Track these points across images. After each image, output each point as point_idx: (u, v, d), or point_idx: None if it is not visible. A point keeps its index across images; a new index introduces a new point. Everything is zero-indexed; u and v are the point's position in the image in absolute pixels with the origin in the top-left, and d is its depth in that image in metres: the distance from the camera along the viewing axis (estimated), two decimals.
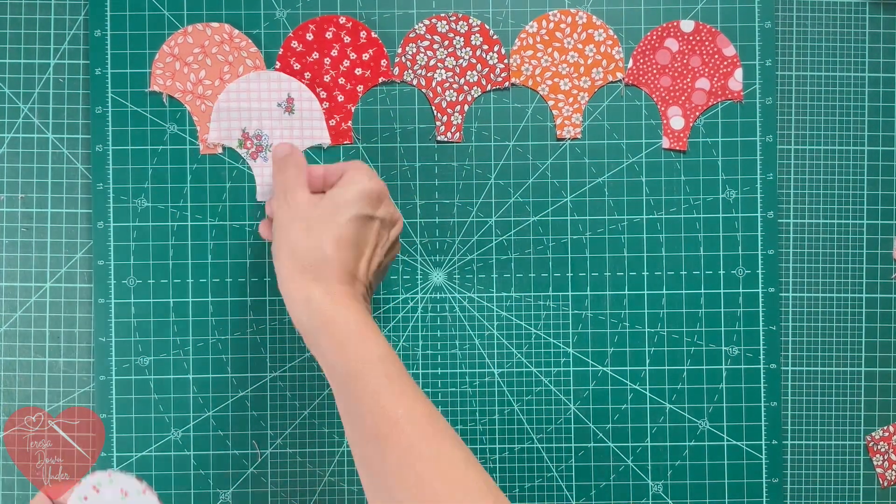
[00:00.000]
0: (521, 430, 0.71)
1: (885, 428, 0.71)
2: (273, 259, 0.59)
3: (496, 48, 0.71)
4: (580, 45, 0.71)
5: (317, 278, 0.57)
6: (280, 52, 0.71)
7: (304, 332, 0.57)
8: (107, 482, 0.57)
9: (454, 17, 0.71)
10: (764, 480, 0.71)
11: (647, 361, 0.71)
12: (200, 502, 0.70)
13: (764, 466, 0.71)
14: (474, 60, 0.71)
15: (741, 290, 0.71)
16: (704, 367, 0.71)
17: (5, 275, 0.71)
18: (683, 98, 0.71)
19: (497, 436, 0.71)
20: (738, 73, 0.71)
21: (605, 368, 0.71)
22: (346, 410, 0.54)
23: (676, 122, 0.71)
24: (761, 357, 0.71)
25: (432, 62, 0.71)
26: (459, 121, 0.71)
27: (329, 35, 0.71)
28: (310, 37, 0.71)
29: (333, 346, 0.55)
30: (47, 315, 0.71)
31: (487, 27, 0.71)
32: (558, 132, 0.71)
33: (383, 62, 0.71)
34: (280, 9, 0.71)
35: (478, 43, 0.71)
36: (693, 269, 0.71)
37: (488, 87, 0.71)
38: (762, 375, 0.71)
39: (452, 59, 0.71)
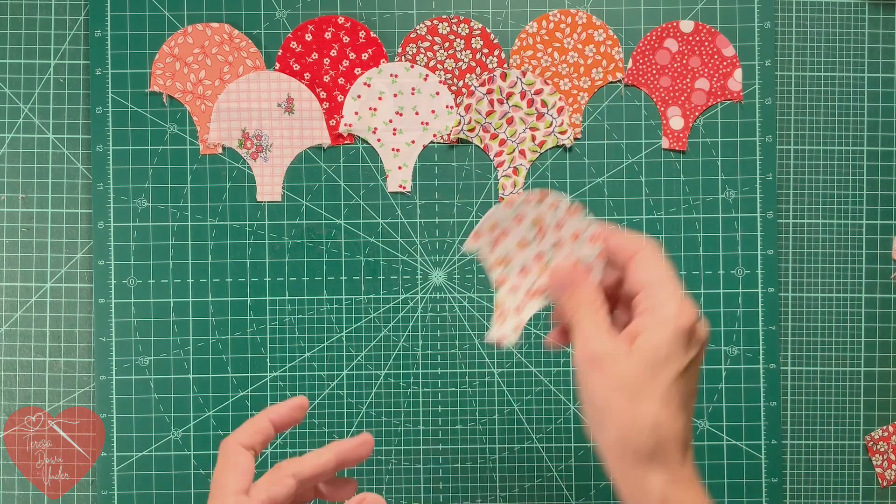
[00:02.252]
0: (520, 430, 0.71)
1: (885, 428, 0.71)
2: (592, 433, 0.48)
3: (496, 52, 0.71)
4: (580, 46, 0.71)
5: (657, 464, 0.46)
6: (280, 53, 0.71)
7: None
8: None
9: (455, 20, 0.71)
10: (763, 480, 0.71)
11: None
12: (200, 502, 0.70)
13: (763, 466, 0.71)
14: (474, 63, 0.71)
15: (741, 290, 0.71)
16: (704, 366, 0.71)
17: (5, 275, 0.71)
18: (683, 98, 0.71)
19: (497, 436, 0.71)
20: (738, 74, 0.71)
21: None
22: None
23: (676, 122, 0.71)
24: (761, 357, 0.71)
25: (432, 63, 0.71)
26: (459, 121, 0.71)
27: (328, 35, 0.71)
28: (308, 37, 0.71)
29: None
30: (47, 315, 0.71)
31: (488, 30, 0.71)
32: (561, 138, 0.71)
33: (382, 62, 0.71)
34: (280, 9, 0.71)
35: (478, 46, 0.71)
36: (693, 269, 0.71)
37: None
38: (762, 375, 0.71)
39: (452, 60, 0.71)
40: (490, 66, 0.71)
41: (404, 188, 0.71)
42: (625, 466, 0.46)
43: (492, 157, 0.71)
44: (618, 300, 0.52)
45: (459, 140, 0.71)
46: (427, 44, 0.71)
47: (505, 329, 0.55)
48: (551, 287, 0.53)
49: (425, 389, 0.71)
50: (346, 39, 0.71)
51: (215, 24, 0.71)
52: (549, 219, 0.53)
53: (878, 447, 0.71)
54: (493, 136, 0.71)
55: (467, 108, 0.70)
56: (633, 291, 0.48)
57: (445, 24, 0.71)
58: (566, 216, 0.53)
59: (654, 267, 0.48)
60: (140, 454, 0.71)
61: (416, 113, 0.71)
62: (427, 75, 0.71)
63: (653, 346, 0.46)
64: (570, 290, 0.51)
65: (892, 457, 0.71)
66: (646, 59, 0.71)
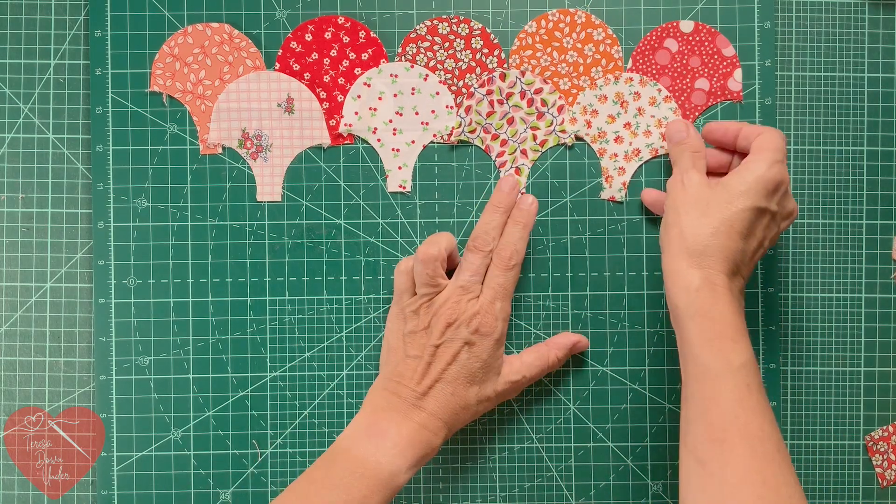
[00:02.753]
0: (520, 430, 0.71)
1: (885, 428, 0.71)
2: (661, 235, 0.61)
3: (496, 52, 0.71)
4: (579, 45, 0.71)
5: (701, 265, 0.58)
6: (280, 53, 0.71)
7: (675, 314, 0.58)
8: None
9: (455, 20, 0.71)
10: None
11: (647, 361, 0.71)
12: (200, 502, 0.71)
13: None
14: (474, 63, 0.71)
15: None
16: None
17: (5, 275, 0.71)
18: (683, 98, 0.71)
19: (497, 436, 0.71)
20: (738, 74, 0.71)
21: (604, 368, 0.71)
22: (694, 407, 0.56)
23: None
24: (761, 357, 0.71)
25: (432, 63, 0.71)
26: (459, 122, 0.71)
27: (328, 35, 0.71)
28: (308, 37, 0.71)
29: (702, 339, 0.56)
30: (47, 315, 0.71)
31: (488, 30, 0.71)
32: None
33: (382, 62, 0.71)
34: (280, 9, 0.71)
35: (478, 46, 0.71)
36: None
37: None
38: (762, 375, 0.71)
39: (452, 60, 0.71)
40: (490, 65, 0.71)
41: (404, 188, 0.71)
42: (677, 258, 0.59)
43: (493, 157, 0.71)
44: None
45: (460, 142, 0.71)
46: (427, 44, 0.71)
47: (613, 189, 0.71)
48: (667, 135, 0.67)
49: None
50: (346, 39, 0.71)
51: (215, 24, 0.71)
52: (627, 92, 0.70)
53: (878, 447, 0.71)
54: (495, 137, 0.71)
55: (467, 109, 0.71)
56: (747, 153, 0.62)
57: (445, 24, 0.71)
58: (640, 86, 0.70)
59: (774, 139, 0.60)
60: (140, 454, 0.71)
61: (416, 113, 0.71)
62: (427, 75, 0.71)
63: (735, 182, 0.59)
64: (680, 138, 0.65)
65: (892, 457, 0.71)
66: (646, 58, 0.71)
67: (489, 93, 0.71)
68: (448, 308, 0.63)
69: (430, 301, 0.64)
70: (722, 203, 0.58)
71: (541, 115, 0.71)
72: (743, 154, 0.64)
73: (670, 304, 0.59)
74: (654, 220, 0.71)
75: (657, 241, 0.71)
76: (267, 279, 0.71)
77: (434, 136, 0.71)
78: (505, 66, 0.71)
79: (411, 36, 0.71)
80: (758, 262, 0.62)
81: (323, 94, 0.71)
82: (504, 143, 0.71)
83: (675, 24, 0.71)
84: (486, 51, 0.71)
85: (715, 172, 0.66)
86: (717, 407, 0.55)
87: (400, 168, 0.71)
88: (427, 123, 0.71)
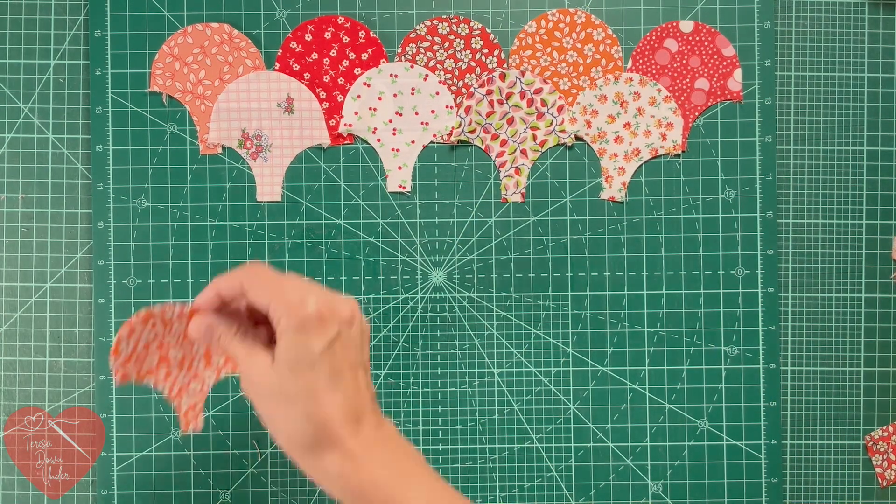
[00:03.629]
0: (520, 430, 0.71)
1: (885, 428, 0.71)
2: (274, 440, 0.53)
3: (496, 52, 0.71)
4: (579, 45, 0.71)
5: (325, 448, 0.50)
6: (279, 53, 0.71)
7: (341, 501, 0.52)
8: None
9: (455, 20, 0.71)
10: (763, 480, 0.71)
11: (647, 361, 0.71)
12: (200, 502, 0.70)
13: (763, 466, 0.71)
14: (473, 63, 0.71)
15: (740, 290, 0.71)
16: (704, 366, 0.71)
17: (5, 275, 0.71)
18: (683, 98, 0.71)
19: (497, 436, 0.71)
20: (738, 74, 0.71)
21: (604, 368, 0.71)
22: None
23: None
24: (761, 357, 0.71)
25: (432, 63, 0.71)
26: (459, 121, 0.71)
27: (328, 35, 0.71)
28: (308, 37, 0.71)
29: None
30: (47, 315, 0.71)
31: (488, 30, 0.71)
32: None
33: (382, 62, 0.71)
34: (280, 9, 0.71)
35: (478, 46, 0.71)
36: (692, 269, 0.71)
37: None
38: (762, 375, 0.71)
39: (452, 60, 0.71)
40: (490, 65, 0.71)
41: (404, 188, 0.71)
42: (302, 459, 0.51)
43: (493, 157, 0.71)
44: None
45: (460, 142, 0.71)
46: (427, 44, 0.71)
47: (613, 189, 0.70)
48: (200, 342, 0.56)
49: (425, 389, 0.71)
50: (345, 39, 0.71)
51: (215, 24, 0.71)
52: (627, 92, 0.70)
53: (878, 447, 0.71)
54: (494, 137, 0.71)
55: (467, 109, 0.70)
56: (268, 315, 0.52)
57: (445, 24, 0.71)
58: (639, 86, 0.70)
59: (261, 287, 0.52)
60: (140, 454, 0.71)
61: (416, 113, 0.71)
62: (427, 75, 0.71)
63: (282, 352, 0.50)
64: (210, 335, 0.54)
65: (892, 457, 0.71)
66: (645, 58, 0.71)
67: (489, 93, 0.71)
68: None
69: None
70: (292, 379, 0.50)
71: (541, 115, 0.71)
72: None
73: (332, 496, 0.52)
74: (654, 220, 0.71)
75: (657, 241, 0.71)
76: None
77: (434, 136, 0.71)
78: (505, 66, 0.71)
79: (411, 36, 0.71)
80: (368, 369, 0.54)
81: (323, 94, 0.71)
82: (504, 143, 0.71)
83: (674, 24, 0.71)
84: (485, 51, 0.71)
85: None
86: None
87: (400, 168, 0.71)
88: (427, 123, 0.71)
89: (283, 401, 0.50)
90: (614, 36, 0.71)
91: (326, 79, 0.71)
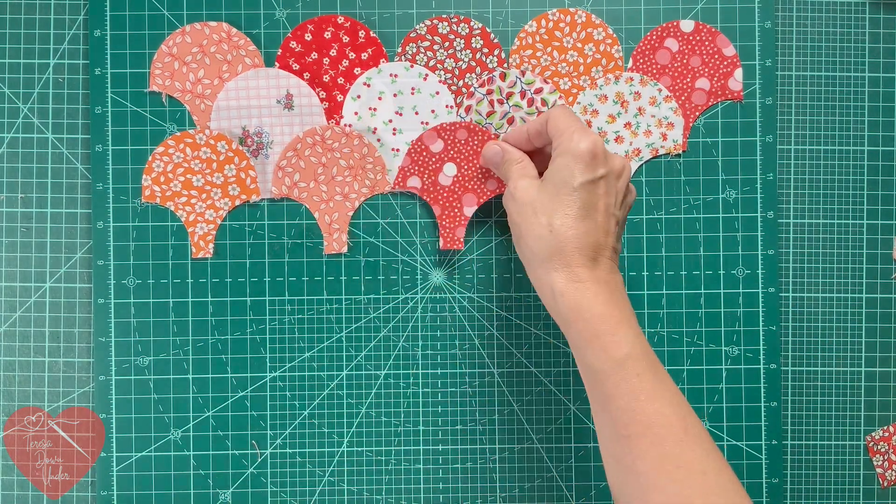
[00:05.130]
0: (521, 430, 0.71)
1: (885, 428, 0.71)
2: (517, 250, 0.61)
3: (496, 52, 0.71)
4: (579, 45, 0.71)
5: (556, 266, 0.56)
6: (279, 53, 0.71)
7: (554, 319, 0.58)
8: None
9: (455, 20, 0.71)
10: (764, 480, 0.71)
11: None
12: (200, 502, 0.70)
13: (764, 466, 0.71)
14: (474, 63, 0.71)
15: (741, 290, 0.71)
16: (704, 367, 0.71)
17: (5, 275, 0.71)
18: (683, 98, 0.71)
19: (497, 436, 0.71)
20: (738, 73, 0.71)
21: None
22: (597, 407, 0.55)
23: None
24: (761, 357, 0.71)
25: (432, 62, 0.71)
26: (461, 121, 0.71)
27: (327, 35, 0.71)
28: (308, 37, 0.71)
29: (582, 341, 0.55)
30: (47, 315, 0.71)
31: (488, 30, 0.71)
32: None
33: (382, 61, 0.71)
34: (280, 9, 0.71)
35: (478, 46, 0.71)
36: (693, 269, 0.71)
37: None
38: (762, 375, 0.71)
39: (452, 60, 0.71)
40: (490, 65, 0.71)
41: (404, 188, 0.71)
42: (534, 269, 0.58)
43: None
44: None
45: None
46: (427, 43, 0.71)
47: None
48: (486, 161, 0.68)
49: (425, 389, 0.71)
50: (345, 39, 0.71)
51: (213, 23, 0.70)
52: (627, 92, 0.71)
53: (879, 447, 0.71)
54: (495, 137, 0.70)
55: (467, 109, 0.70)
56: (553, 143, 0.60)
57: (445, 23, 0.71)
58: (640, 86, 0.71)
59: (562, 118, 0.60)
60: (139, 454, 0.71)
61: (416, 113, 0.71)
62: (427, 75, 0.71)
63: (556, 170, 0.58)
64: (498, 158, 0.66)
65: (893, 457, 0.71)
66: (646, 58, 0.71)
67: (489, 92, 0.70)
68: None
69: None
70: (550, 196, 0.57)
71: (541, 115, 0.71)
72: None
73: (550, 314, 0.58)
74: (654, 219, 0.71)
75: (657, 241, 0.71)
76: (266, 279, 0.71)
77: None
78: (505, 65, 0.71)
79: (411, 35, 0.71)
80: (622, 227, 0.60)
81: (322, 94, 0.71)
82: None
83: (675, 23, 0.71)
84: (486, 50, 0.71)
85: None
86: (613, 404, 0.54)
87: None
88: (427, 123, 0.71)
89: (535, 212, 0.58)
90: (615, 35, 0.71)
91: (326, 78, 0.71)
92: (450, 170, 0.70)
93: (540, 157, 0.65)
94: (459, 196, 0.70)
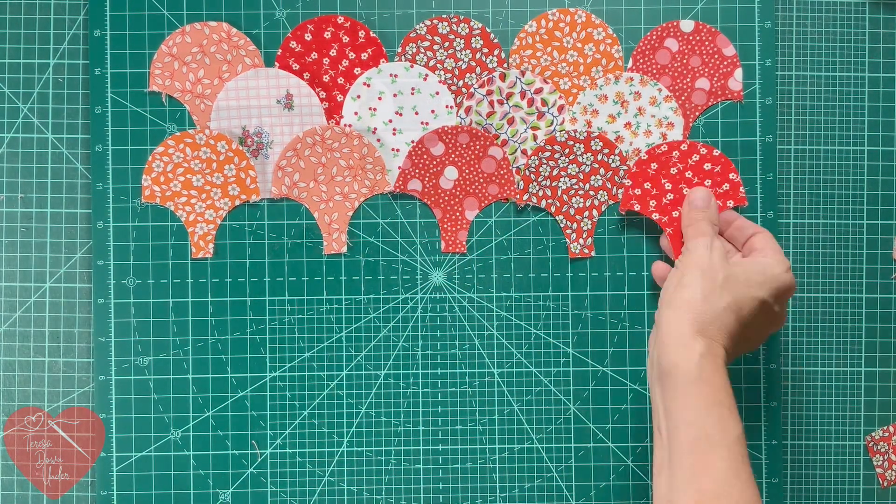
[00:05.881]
0: (521, 430, 0.71)
1: (885, 428, 0.71)
2: (667, 289, 0.61)
3: (496, 52, 0.71)
4: (579, 45, 0.71)
5: (706, 333, 0.58)
6: (279, 53, 0.71)
7: (667, 374, 0.57)
8: None
9: (455, 19, 0.71)
10: (764, 480, 0.71)
11: None
12: (200, 502, 0.70)
13: (764, 466, 0.71)
14: (474, 63, 0.71)
15: None
16: None
17: (5, 275, 0.71)
18: (683, 98, 0.71)
19: (497, 436, 0.71)
20: (738, 73, 0.71)
21: (604, 368, 0.71)
22: (684, 473, 0.55)
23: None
24: (761, 357, 0.71)
25: (432, 62, 0.71)
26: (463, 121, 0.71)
27: (327, 35, 0.71)
28: (308, 37, 0.71)
29: (705, 405, 0.56)
30: (47, 315, 0.71)
31: (488, 30, 0.71)
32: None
33: (382, 61, 0.71)
34: (280, 9, 0.71)
35: (478, 46, 0.71)
36: None
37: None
38: (762, 375, 0.71)
39: (452, 60, 0.71)
40: (490, 65, 0.71)
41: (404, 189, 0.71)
42: (684, 322, 0.58)
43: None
44: None
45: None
46: (427, 43, 0.71)
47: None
48: (690, 200, 0.68)
49: (425, 389, 0.71)
50: (345, 39, 0.71)
51: (213, 23, 0.70)
52: (627, 92, 0.71)
53: (879, 447, 0.71)
54: (495, 137, 0.70)
55: (468, 110, 0.70)
56: (752, 250, 0.64)
57: (445, 23, 0.71)
58: (640, 86, 0.71)
59: (771, 243, 0.64)
60: (139, 454, 0.71)
61: (416, 113, 0.71)
62: (427, 75, 0.71)
63: (754, 269, 0.61)
64: (704, 205, 0.67)
65: (893, 457, 0.71)
66: (646, 58, 0.71)
67: (489, 93, 0.70)
68: None
69: None
70: (739, 283, 0.59)
71: (541, 115, 0.71)
72: (729, 241, 0.67)
73: (662, 361, 0.58)
74: (654, 220, 0.71)
75: (657, 241, 0.71)
76: (266, 279, 0.71)
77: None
78: (505, 65, 0.71)
79: (411, 35, 0.71)
80: (740, 354, 0.62)
81: (322, 94, 0.71)
82: (504, 143, 0.71)
83: (675, 23, 0.71)
84: (486, 50, 0.71)
85: None
86: (710, 476, 0.54)
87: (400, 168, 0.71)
88: (427, 123, 0.71)
89: (713, 280, 0.59)
90: (615, 35, 0.71)
91: (326, 78, 0.71)
92: (451, 173, 0.70)
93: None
94: (461, 200, 0.70)
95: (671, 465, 0.55)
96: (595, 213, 0.71)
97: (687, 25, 0.71)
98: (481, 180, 0.70)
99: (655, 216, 0.70)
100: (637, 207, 0.70)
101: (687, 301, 0.59)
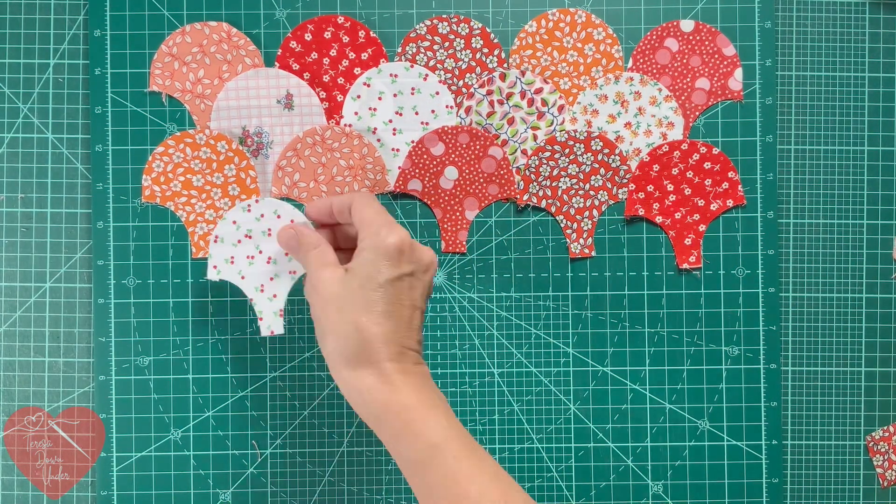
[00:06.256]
0: (521, 430, 0.71)
1: (885, 428, 0.71)
2: (320, 347, 0.57)
3: (496, 52, 0.71)
4: (579, 45, 0.71)
5: (363, 364, 0.54)
6: (279, 53, 0.71)
7: (365, 420, 0.55)
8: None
9: (455, 19, 0.71)
10: (764, 480, 0.71)
11: (647, 361, 0.71)
12: (200, 502, 0.70)
13: (764, 466, 0.71)
14: (474, 63, 0.71)
15: (741, 290, 0.71)
16: (704, 367, 0.71)
17: (5, 275, 0.71)
18: (683, 98, 0.71)
19: (497, 436, 0.71)
20: (738, 73, 0.71)
21: (604, 368, 0.71)
22: (422, 494, 0.53)
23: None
24: (761, 357, 0.71)
25: (432, 62, 0.71)
26: (463, 121, 0.71)
27: (327, 35, 0.71)
28: (308, 37, 0.71)
29: (395, 436, 0.54)
30: (47, 315, 0.71)
31: (488, 30, 0.71)
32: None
33: (382, 61, 0.71)
34: (280, 9, 0.71)
35: (478, 46, 0.71)
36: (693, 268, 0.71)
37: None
38: (762, 375, 0.71)
39: (452, 60, 0.71)
40: (490, 65, 0.71)
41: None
42: (339, 369, 0.55)
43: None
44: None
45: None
46: (427, 43, 0.71)
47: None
48: (283, 247, 0.63)
49: None
50: (345, 39, 0.71)
51: (213, 23, 0.70)
52: (627, 92, 0.70)
53: (879, 447, 0.71)
54: (495, 137, 0.70)
55: (468, 110, 0.70)
56: (357, 231, 0.58)
57: (445, 23, 0.71)
58: (640, 86, 0.70)
59: (366, 208, 0.58)
60: (139, 454, 0.70)
61: (416, 113, 0.71)
62: (427, 75, 0.70)
63: (360, 265, 0.55)
64: (295, 244, 0.61)
65: (893, 457, 0.71)
66: (646, 58, 0.71)
67: (489, 93, 0.70)
68: None
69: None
70: (355, 292, 0.55)
71: (541, 115, 0.71)
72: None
73: (358, 412, 0.56)
74: (658, 224, 0.71)
75: (658, 241, 0.71)
76: None
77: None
78: (505, 65, 0.71)
79: (411, 35, 0.71)
80: (422, 321, 0.58)
81: (322, 94, 0.71)
82: (504, 143, 0.70)
83: (675, 23, 0.71)
84: (486, 50, 0.71)
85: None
86: (436, 492, 0.52)
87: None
88: (427, 123, 0.71)
89: (340, 309, 0.55)
90: (615, 35, 0.71)
91: (326, 78, 0.71)
92: (451, 173, 0.70)
93: (342, 233, 0.63)
94: (461, 200, 0.70)
95: (411, 485, 0.54)
96: (595, 213, 0.71)
97: (687, 25, 0.71)
98: (481, 180, 0.70)
99: (659, 219, 0.70)
100: (641, 212, 0.70)
101: (328, 351, 0.56)
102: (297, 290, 0.70)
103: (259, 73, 0.70)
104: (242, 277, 0.64)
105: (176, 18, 0.71)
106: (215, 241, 0.64)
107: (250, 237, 0.65)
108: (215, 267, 0.65)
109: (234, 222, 0.64)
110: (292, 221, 0.64)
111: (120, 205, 0.70)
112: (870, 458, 0.71)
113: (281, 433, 0.71)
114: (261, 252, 0.65)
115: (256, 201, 0.64)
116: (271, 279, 0.64)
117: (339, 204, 0.60)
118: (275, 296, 0.64)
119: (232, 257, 0.64)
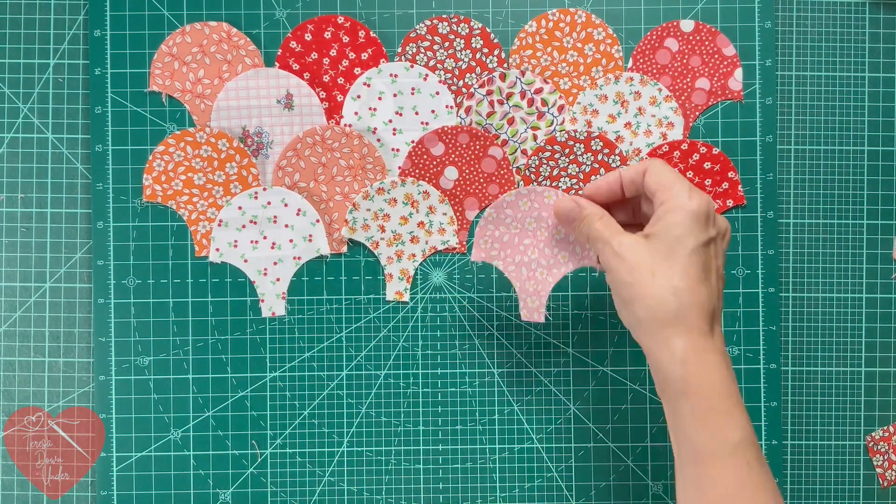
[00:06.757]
0: (521, 430, 0.71)
1: (885, 428, 0.71)
2: (622, 315, 0.55)
3: (496, 52, 0.71)
4: (579, 45, 0.71)
5: (679, 330, 0.52)
6: (279, 53, 0.71)
7: (663, 389, 0.53)
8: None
9: (455, 19, 0.71)
10: None
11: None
12: (200, 502, 0.70)
13: None
14: (474, 63, 0.71)
15: (741, 290, 0.71)
16: None
17: (5, 275, 0.71)
18: (683, 98, 0.71)
19: (497, 436, 0.71)
20: (738, 73, 0.71)
21: (605, 368, 0.71)
22: (693, 491, 0.52)
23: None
24: (761, 357, 0.71)
25: (432, 63, 0.71)
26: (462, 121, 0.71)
27: (327, 35, 0.71)
28: (308, 37, 0.71)
29: (696, 418, 0.52)
30: (47, 315, 0.71)
31: (488, 30, 0.71)
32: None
33: (382, 61, 0.71)
34: (280, 9, 0.71)
35: (478, 46, 0.71)
36: None
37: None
38: (762, 375, 0.71)
39: (452, 60, 0.71)
40: (490, 65, 0.71)
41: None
42: (653, 332, 0.53)
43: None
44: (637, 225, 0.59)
45: None
46: (427, 43, 0.71)
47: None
48: (559, 217, 0.60)
49: (425, 389, 0.71)
50: (345, 39, 0.71)
51: (213, 23, 0.70)
52: (627, 92, 0.70)
53: (879, 447, 0.71)
54: (495, 137, 0.70)
55: (468, 110, 0.70)
56: (652, 197, 0.56)
57: (445, 23, 0.71)
58: (640, 86, 0.70)
59: (665, 172, 0.56)
60: (139, 454, 0.71)
61: (416, 113, 0.71)
62: (427, 75, 0.71)
63: (667, 228, 0.53)
64: (576, 214, 0.59)
65: (893, 457, 0.71)
66: (646, 58, 0.71)
67: (489, 93, 0.70)
68: None
69: None
70: (665, 256, 0.53)
71: (541, 115, 0.71)
72: (640, 196, 0.59)
73: (657, 378, 0.54)
74: None
75: None
76: None
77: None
78: (505, 65, 0.71)
79: (411, 35, 0.71)
80: (722, 294, 0.56)
81: (322, 94, 0.71)
82: (504, 143, 0.71)
83: (675, 23, 0.71)
84: (486, 50, 0.71)
85: (626, 226, 0.59)
86: (717, 490, 0.51)
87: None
88: (427, 123, 0.71)
89: (653, 273, 0.53)
90: (615, 35, 0.71)
91: (326, 78, 0.71)
92: (451, 173, 0.70)
93: (621, 206, 0.61)
94: (461, 200, 0.70)
95: (680, 479, 0.53)
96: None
97: (687, 25, 0.71)
98: (481, 180, 0.70)
99: None
100: None
101: (640, 315, 0.54)
102: (298, 287, 0.70)
103: (259, 73, 0.70)
104: (245, 261, 0.66)
105: (176, 18, 0.71)
106: (219, 225, 0.66)
107: (255, 223, 0.67)
108: (217, 249, 0.65)
109: (240, 208, 0.67)
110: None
111: (120, 205, 0.70)
112: (870, 458, 0.71)
113: (281, 433, 0.71)
114: (265, 238, 0.67)
115: (264, 189, 0.66)
116: (275, 263, 0.67)
117: (629, 173, 0.58)
118: (278, 279, 0.67)
119: (235, 241, 0.67)
